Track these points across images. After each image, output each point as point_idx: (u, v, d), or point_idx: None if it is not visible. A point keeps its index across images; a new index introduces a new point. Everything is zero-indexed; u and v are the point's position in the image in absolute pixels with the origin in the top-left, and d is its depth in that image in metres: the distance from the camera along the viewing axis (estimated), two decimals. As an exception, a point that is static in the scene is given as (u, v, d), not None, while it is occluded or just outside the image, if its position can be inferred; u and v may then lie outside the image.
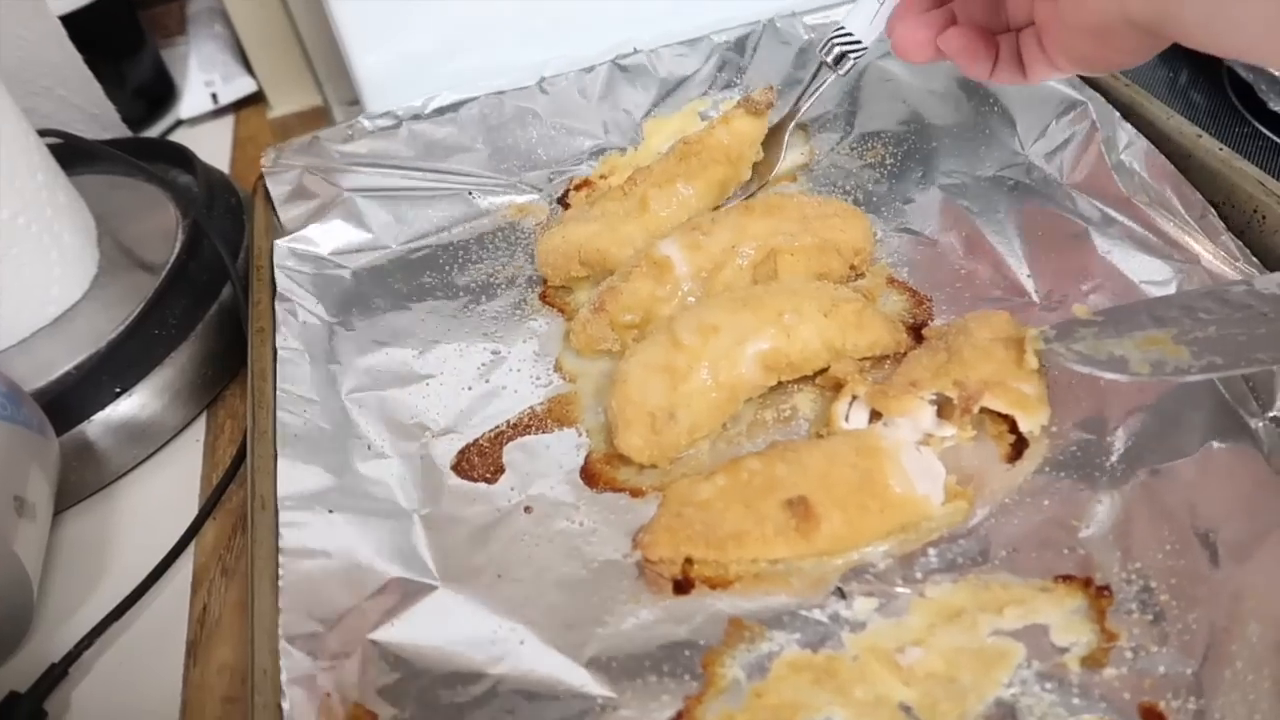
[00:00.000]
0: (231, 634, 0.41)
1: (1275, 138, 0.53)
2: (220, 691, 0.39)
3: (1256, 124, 0.54)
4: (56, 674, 0.39)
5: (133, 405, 0.48)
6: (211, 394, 0.51)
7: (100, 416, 0.47)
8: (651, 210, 0.49)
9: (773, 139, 0.53)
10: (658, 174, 0.51)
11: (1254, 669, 0.31)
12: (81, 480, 0.47)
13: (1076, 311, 0.37)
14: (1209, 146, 0.46)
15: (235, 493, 0.46)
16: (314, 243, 0.52)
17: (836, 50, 0.49)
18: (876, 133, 0.56)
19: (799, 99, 0.52)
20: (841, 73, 0.50)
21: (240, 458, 0.47)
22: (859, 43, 0.48)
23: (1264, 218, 0.43)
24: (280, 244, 0.51)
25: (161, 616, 0.42)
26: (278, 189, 0.54)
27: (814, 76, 0.51)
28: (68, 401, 0.47)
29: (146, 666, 0.40)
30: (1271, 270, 0.37)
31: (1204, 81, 0.57)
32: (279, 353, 0.45)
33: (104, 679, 0.40)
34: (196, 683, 0.39)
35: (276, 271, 0.50)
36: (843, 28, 0.49)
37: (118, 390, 0.48)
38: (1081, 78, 0.52)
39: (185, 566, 0.44)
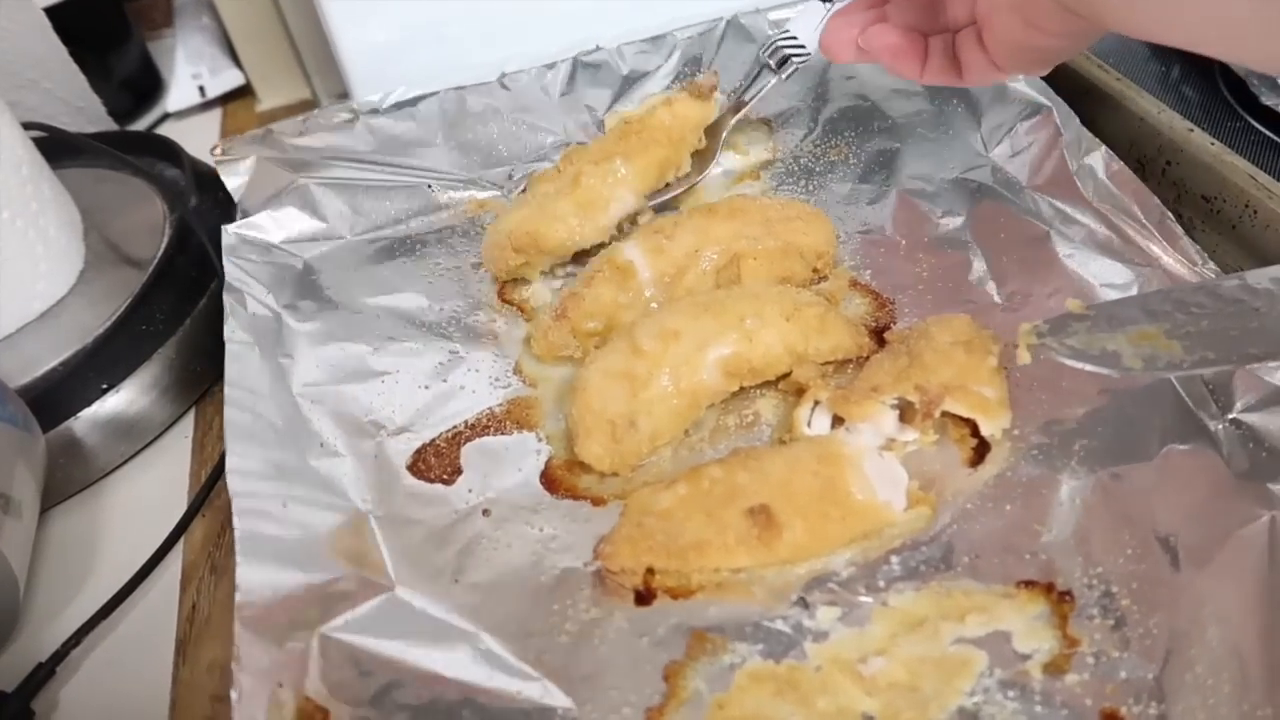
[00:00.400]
0: (221, 632, 0.37)
1: (1267, 133, 0.49)
2: (210, 690, 0.36)
3: (1249, 119, 0.50)
4: (44, 673, 0.36)
5: (120, 401, 0.44)
6: (200, 390, 0.47)
7: (87, 413, 0.43)
8: (584, 185, 0.44)
9: (712, 133, 0.48)
10: (594, 152, 0.46)
11: (1214, 673, 0.28)
12: (68, 477, 0.43)
13: (1069, 305, 0.33)
14: (1200, 141, 0.43)
15: (224, 489, 0.42)
16: (265, 230, 0.47)
17: (781, 54, 0.45)
18: (840, 131, 0.51)
19: (740, 97, 0.48)
20: (783, 76, 0.46)
21: (229, 454, 0.43)
22: (803, 48, 0.44)
23: (1255, 212, 0.40)
24: (229, 230, 0.47)
25: (150, 614, 0.39)
26: (231, 178, 0.49)
27: (756, 77, 0.47)
28: (54, 398, 0.43)
29: (135, 665, 0.37)
30: (1252, 267, 0.34)
31: (1196, 76, 0.53)
32: (226, 346, 0.41)
33: (92, 678, 0.37)
34: (186, 681, 0.36)
35: (225, 259, 0.45)
36: (788, 31, 0.45)
37: (105, 386, 0.44)
38: (1072, 76, 0.48)
39: (174, 564, 0.40)
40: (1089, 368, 0.32)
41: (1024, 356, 0.33)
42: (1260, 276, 0.32)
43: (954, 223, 0.45)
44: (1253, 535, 0.31)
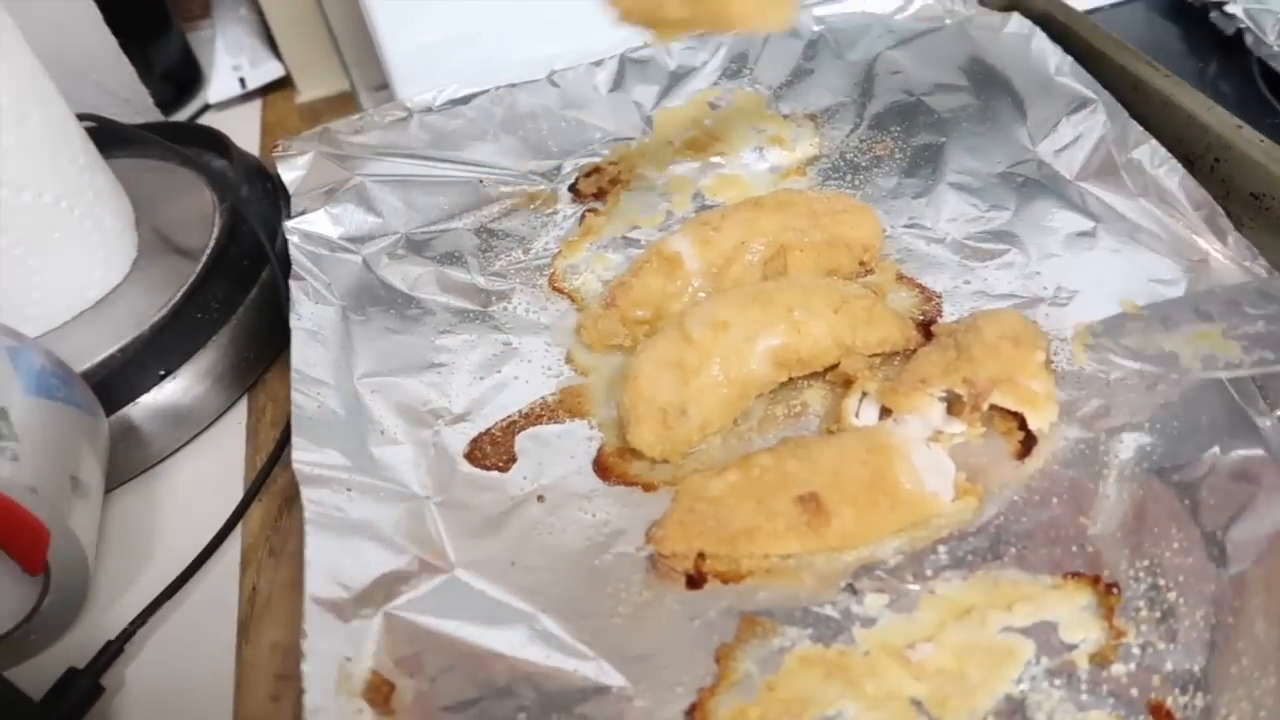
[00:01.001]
0: (282, 613, 0.39)
1: (1305, 129, 0.49)
2: (274, 669, 0.37)
3: (1287, 115, 0.51)
4: (113, 651, 0.38)
5: (176, 388, 0.46)
6: (252, 377, 0.49)
7: (145, 399, 0.45)
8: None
9: None
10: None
11: (1260, 666, 0.29)
12: (127, 462, 0.45)
13: (1122, 306, 0.34)
14: (1249, 138, 0.43)
15: (280, 474, 0.45)
16: (324, 226, 0.50)
17: None
18: (886, 126, 0.53)
19: None
20: None
21: (285, 439, 0.45)
22: None
23: None
24: (290, 226, 0.49)
25: (211, 596, 0.41)
26: (289, 174, 0.52)
27: None
28: (113, 384, 0.45)
29: (199, 644, 0.39)
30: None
31: (1233, 72, 0.54)
32: (294, 332, 0.43)
33: (158, 656, 0.39)
34: (249, 660, 0.38)
35: (291, 250, 0.48)
36: None
37: (161, 373, 0.46)
38: (1119, 71, 0.48)
39: (233, 547, 0.42)
40: (1148, 368, 0.33)
41: (1080, 358, 0.34)
42: None
43: (1000, 217, 0.46)
44: (1300, 530, 0.32)
